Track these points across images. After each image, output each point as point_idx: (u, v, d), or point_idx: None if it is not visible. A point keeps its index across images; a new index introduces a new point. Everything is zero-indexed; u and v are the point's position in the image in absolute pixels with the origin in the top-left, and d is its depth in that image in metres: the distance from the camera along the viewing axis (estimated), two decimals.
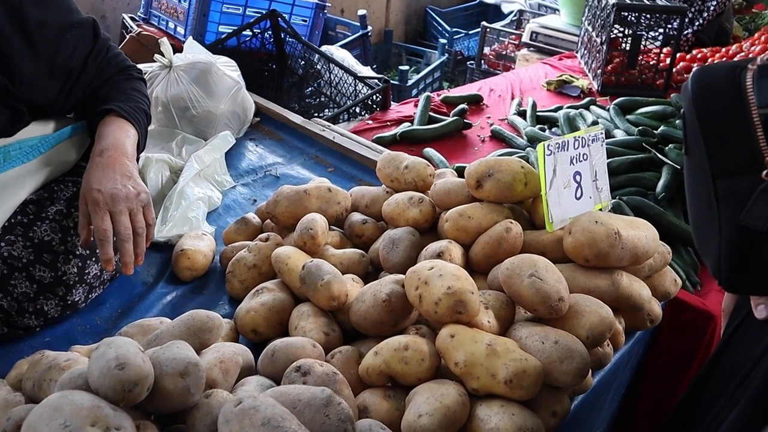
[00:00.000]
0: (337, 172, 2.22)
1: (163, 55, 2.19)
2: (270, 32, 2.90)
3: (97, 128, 1.44)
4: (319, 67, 3.04)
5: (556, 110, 2.87)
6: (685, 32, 3.75)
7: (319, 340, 1.27)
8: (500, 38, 5.17)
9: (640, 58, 3.27)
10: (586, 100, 3.00)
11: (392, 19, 6.56)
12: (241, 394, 0.95)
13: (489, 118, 2.94)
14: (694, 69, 0.88)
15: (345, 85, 2.95)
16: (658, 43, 3.32)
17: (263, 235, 1.60)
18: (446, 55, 5.75)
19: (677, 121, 2.49)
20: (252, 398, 0.92)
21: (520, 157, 2.09)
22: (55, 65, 1.41)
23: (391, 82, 3.04)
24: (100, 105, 1.48)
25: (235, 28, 2.90)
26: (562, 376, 1.11)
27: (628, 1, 3.16)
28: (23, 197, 1.40)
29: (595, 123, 2.62)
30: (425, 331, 1.27)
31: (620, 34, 3.27)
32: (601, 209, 1.50)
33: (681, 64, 3.47)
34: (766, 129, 0.79)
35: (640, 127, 2.42)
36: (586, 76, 3.54)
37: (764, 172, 0.79)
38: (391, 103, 2.98)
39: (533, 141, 2.53)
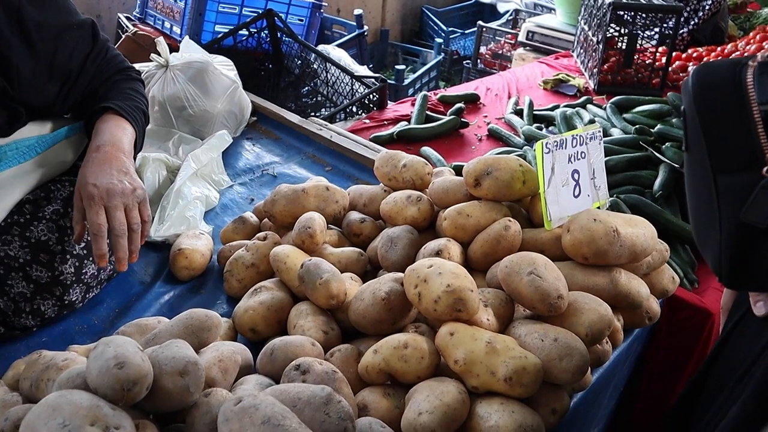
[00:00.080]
0: (334, 171, 2.22)
1: (159, 55, 2.18)
2: (266, 32, 2.90)
3: (94, 126, 1.44)
4: (315, 66, 3.04)
5: (552, 109, 2.88)
6: (681, 31, 3.76)
7: (318, 338, 1.27)
8: (496, 38, 5.17)
9: (636, 57, 3.28)
10: (583, 99, 3.00)
11: (388, 19, 6.56)
12: (240, 393, 0.95)
13: (486, 117, 2.94)
14: (694, 66, 0.88)
15: (342, 84, 2.95)
16: (653, 43, 3.33)
17: (261, 234, 1.60)
18: (442, 54, 5.75)
19: (674, 120, 2.49)
20: (252, 397, 0.91)
21: (517, 155, 2.09)
22: (54, 66, 1.40)
23: (388, 81, 3.03)
24: (97, 104, 1.47)
25: (232, 27, 2.90)
26: (561, 374, 1.11)
27: (624, 1, 3.16)
28: (20, 197, 1.39)
29: (591, 122, 2.63)
30: (424, 329, 1.27)
31: (616, 34, 3.27)
32: (599, 207, 1.50)
33: (677, 63, 3.48)
34: (767, 126, 0.79)
35: (637, 126, 2.42)
36: (583, 75, 3.54)
37: (765, 169, 0.79)
38: (388, 102, 2.98)
39: (530, 140, 2.54)
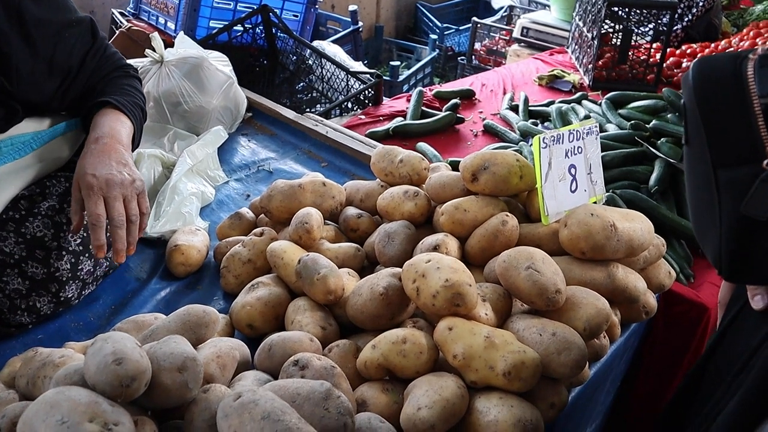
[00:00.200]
0: (330, 166, 2.22)
1: (154, 50, 2.17)
2: (261, 27, 2.89)
3: (92, 120, 1.43)
4: (310, 62, 3.03)
5: (548, 105, 2.88)
6: (675, 28, 3.77)
7: (316, 334, 1.27)
8: (491, 34, 5.17)
9: (631, 53, 3.28)
10: (578, 94, 3.00)
11: (383, 15, 6.56)
12: (239, 389, 0.95)
13: (481, 112, 2.94)
14: (688, 62, 0.88)
15: (337, 80, 2.94)
16: (648, 39, 3.34)
17: (258, 230, 1.59)
18: (437, 50, 5.76)
19: (669, 115, 2.50)
20: (251, 392, 0.91)
21: (513, 151, 2.10)
22: (53, 63, 1.40)
23: (383, 77, 3.03)
24: (96, 99, 1.46)
25: (226, 23, 2.89)
26: (560, 368, 1.11)
27: None
28: (15, 193, 1.38)
29: (587, 117, 2.63)
30: (422, 324, 1.27)
31: (611, 30, 3.28)
32: (595, 202, 1.50)
33: (671, 59, 3.49)
34: (767, 118, 0.79)
35: (633, 121, 2.43)
36: (577, 71, 3.55)
37: (765, 162, 0.79)
38: (383, 98, 2.98)
39: (526, 135, 2.54)
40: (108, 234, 1.34)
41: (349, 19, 4.98)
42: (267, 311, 1.37)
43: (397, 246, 1.45)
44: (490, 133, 2.70)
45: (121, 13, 3.36)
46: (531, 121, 2.69)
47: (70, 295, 1.45)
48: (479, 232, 1.41)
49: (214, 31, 2.84)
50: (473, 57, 5.19)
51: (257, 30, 2.89)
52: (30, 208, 1.39)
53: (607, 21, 3.21)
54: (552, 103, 2.89)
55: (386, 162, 1.67)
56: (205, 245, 1.68)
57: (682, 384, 1.25)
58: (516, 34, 4.54)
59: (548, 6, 4.78)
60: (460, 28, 6.13)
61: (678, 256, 1.87)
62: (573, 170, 1.45)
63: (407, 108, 2.82)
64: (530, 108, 2.84)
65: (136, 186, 1.36)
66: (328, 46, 3.76)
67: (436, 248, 1.37)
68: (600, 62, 3.30)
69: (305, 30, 3.30)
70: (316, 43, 3.53)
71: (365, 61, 4.95)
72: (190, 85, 2.17)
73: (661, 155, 2.15)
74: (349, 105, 2.88)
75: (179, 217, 1.77)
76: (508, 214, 1.41)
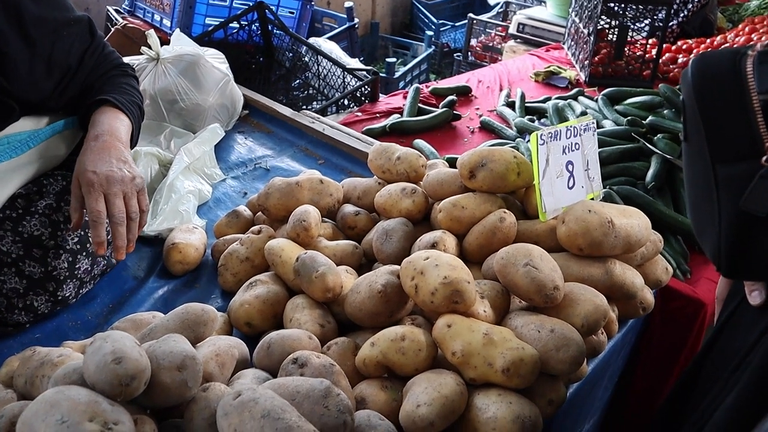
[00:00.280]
0: (327, 164, 2.21)
1: (150, 48, 2.16)
2: (257, 24, 2.88)
3: (90, 117, 1.42)
4: (306, 59, 3.02)
5: (544, 101, 2.88)
6: (671, 23, 3.77)
7: (315, 332, 1.27)
8: (487, 30, 5.17)
9: (627, 49, 3.29)
10: (575, 90, 3.01)
11: (378, 11, 6.55)
12: (239, 387, 0.95)
13: (478, 109, 2.94)
14: (684, 58, 0.88)
15: (333, 77, 2.94)
16: (644, 34, 3.34)
17: (255, 228, 1.59)
18: (433, 47, 5.75)
19: (665, 111, 2.50)
20: (251, 390, 0.91)
21: (510, 147, 2.10)
22: (52, 62, 1.39)
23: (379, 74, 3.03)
24: (94, 97, 1.46)
25: (222, 20, 2.87)
26: (558, 365, 1.11)
27: None
28: (12, 192, 1.38)
29: (583, 113, 2.63)
30: (421, 321, 1.27)
31: (607, 26, 3.28)
32: (593, 198, 1.51)
33: (667, 55, 3.49)
34: (766, 115, 0.79)
35: (629, 118, 2.43)
36: (574, 67, 3.55)
37: (764, 158, 0.79)
38: (380, 95, 2.97)
39: (523, 132, 2.54)
40: (108, 231, 1.33)
41: (345, 16, 4.97)
42: (265, 309, 1.37)
43: (394, 243, 1.45)
44: (487, 129, 2.70)
45: (116, 11, 3.34)
46: (527, 117, 2.69)
47: (67, 294, 1.44)
48: (477, 229, 1.41)
49: (210, 28, 2.82)
50: (469, 53, 5.19)
51: (253, 27, 2.88)
52: (27, 206, 1.39)
53: (603, 17, 3.22)
54: (548, 99, 2.89)
55: (384, 159, 1.67)
56: (202, 243, 1.68)
57: (679, 380, 1.26)
58: (512, 30, 4.54)
59: (544, 2, 4.78)
60: (456, 24, 6.13)
61: (675, 252, 1.87)
62: (570, 167, 1.45)
63: (404, 105, 2.81)
64: (527, 104, 2.84)
65: (136, 183, 1.36)
66: (324, 43, 3.75)
67: (434, 245, 1.37)
68: (596, 58, 3.30)
69: (301, 27, 3.29)
70: (312, 40, 3.52)
71: (361, 58, 4.95)
72: (187, 83, 2.16)
73: (658, 151, 2.15)
74: (346, 102, 2.88)
75: (176, 215, 1.76)
76: (506, 211, 1.42)
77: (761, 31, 3.56)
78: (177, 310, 1.18)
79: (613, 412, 1.97)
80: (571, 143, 1.45)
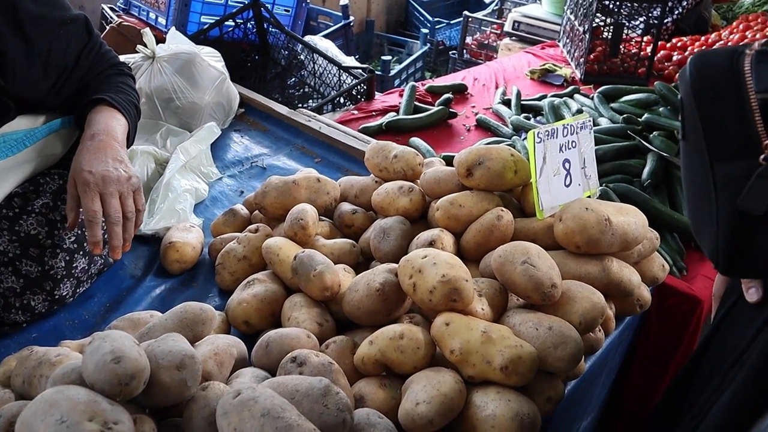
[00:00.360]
0: (323, 162, 2.21)
1: (145, 46, 2.15)
2: (253, 22, 2.87)
3: (87, 117, 1.42)
4: (302, 57, 3.02)
5: (540, 99, 2.88)
6: (665, 21, 3.78)
7: (313, 330, 1.27)
8: (482, 28, 5.17)
9: (622, 46, 3.29)
10: (570, 88, 3.01)
11: (374, 9, 6.54)
12: (238, 386, 0.95)
13: (474, 107, 2.94)
14: (679, 56, 0.89)
15: (329, 75, 2.93)
16: (639, 32, 3.35)
17: (252, 227, 1.59)
18: (428, 45, 5.75)
19: (661, 109, 2.51)
20: (251, 389, 0.91)
21: (506, 145, 2.10)
22: (49, 61, 1.39)
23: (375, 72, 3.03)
24: (90, 96, 1.45)
25: (218, 18, 2.87)
26: (556, 362, 1.11)
27: None
28: (8, 190, 1.37)
29: (579, 111, 2.64)
30: (419, 319, 1.27)
31: (602, 23, 3.29)
32: (589, 196, 1.51)
33: (662, 52, 3.50)
34: (764, 113, 0.80)
35: (625, 115, 2.44)
36: (569, 64, 3.55)
37: (762, 156, 0.80)
38: (376, 93, 2.97)
39: (519, 130, 2.54)
40: (104, 231, 1.33)
41: (341, 14, 4.96)
42: (263, 308, 1.37)
43: (392, 241, 1.46)
44: (483, 127, 2.70)
45: (111, 9, 3.33)
46: (523, 115, 2.69)
47: (64, 293, 1.44)
48: (474, 227, 1.42)
49: (206, 27, 2.82)
50: (464, 51, 5.19)
51: (249, 25, 2.88)
52: (24, 205, 1.38)
53: (598, 14, 3.22)
54: (544, 97, 2.90)
55: (380, 157, 1.67)
56: (199, 242, 1.68)
57: (676, 377, 1.26)
58: (507, 28, 4.54)
59: (539, 0, 4.78)
60: (451, 22, 6.13)
61: (671, 249, 1.88)
62: (567, 165, 1.46)
63: (400, 103, 2.81)
64: (522, 102, 2.84)
65: (132, 183, 1.36)
66: (319, 41, 3.74)
67: (431, 244, 1.37)
68: (591, 56, 3.31)
69: (297, 25, 3.28)
70: (307, 38, 3.51)
71: (357, 56, 4.94)
72: (183, 81, 2.15)
73: (654, 149, 2.16)
74: (342, 100, 2.88)
75: (173, 214, 1.76)
76: (503, 209, 1.42)
77: (755, 28, 3.58)
78: (175, 309, 1.18)
79: (610, 408, 1.97)
80: (568, 141, 1.45)
